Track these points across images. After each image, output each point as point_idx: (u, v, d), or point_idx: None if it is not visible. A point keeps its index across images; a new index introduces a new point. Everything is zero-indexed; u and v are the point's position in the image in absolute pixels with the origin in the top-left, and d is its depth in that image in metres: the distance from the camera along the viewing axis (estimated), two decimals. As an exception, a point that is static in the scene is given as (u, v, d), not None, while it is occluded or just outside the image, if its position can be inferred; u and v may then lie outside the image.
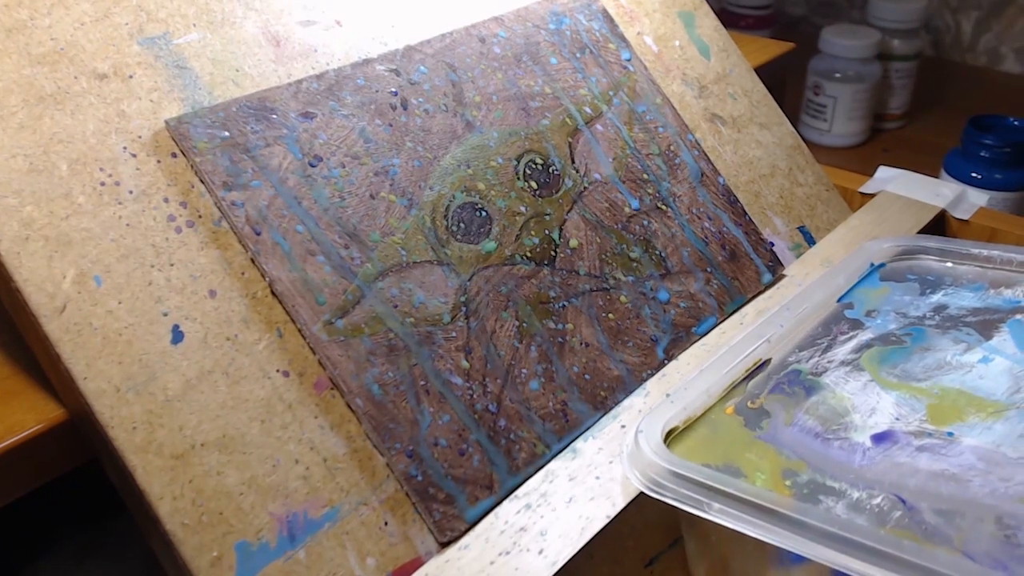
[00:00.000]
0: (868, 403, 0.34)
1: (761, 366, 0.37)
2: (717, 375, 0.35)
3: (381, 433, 0.33)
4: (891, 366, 0.36)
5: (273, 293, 0.33)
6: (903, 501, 0.29)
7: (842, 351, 0.37)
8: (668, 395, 0.35)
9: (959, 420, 0.32)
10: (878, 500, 0.29)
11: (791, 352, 0.37)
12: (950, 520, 0.28)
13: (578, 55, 0.45)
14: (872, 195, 0.52)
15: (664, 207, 0.43)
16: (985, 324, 0.38)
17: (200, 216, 0.33)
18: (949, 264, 0.42)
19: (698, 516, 0.29)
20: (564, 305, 0.39)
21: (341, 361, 0.33)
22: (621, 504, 0.33)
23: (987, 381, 0.34)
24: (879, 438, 0.32)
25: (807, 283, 0.42)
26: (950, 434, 0.32)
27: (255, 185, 0.34)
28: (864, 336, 0.38)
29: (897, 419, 0.33)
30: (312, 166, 0.35)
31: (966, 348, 0.36)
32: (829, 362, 0.37)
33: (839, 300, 0.41)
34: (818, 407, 0.34)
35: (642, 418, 0.33)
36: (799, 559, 0.30)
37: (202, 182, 0.33)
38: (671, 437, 0.33)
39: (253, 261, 0.33)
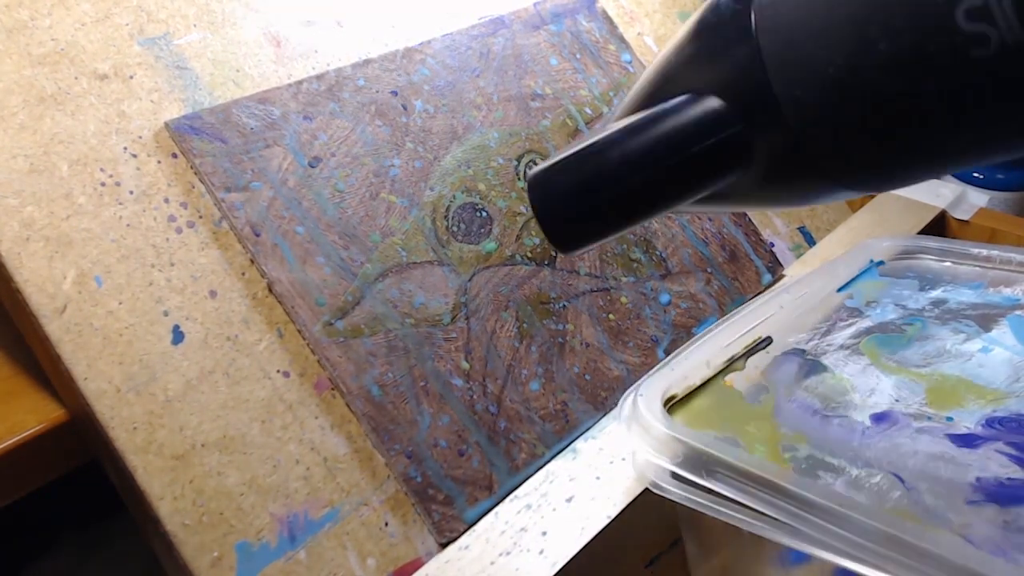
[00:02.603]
0: (867, 384, 0.34)
1: (760, 344, 0.37)
2: (716, 348, 0.35)
3: (381, 434, 0.33)
4: (890, 352, 0.36)
5: (272, 294, 0.33)
6: (902, 481, 0.29)
7: (841, 336, 0.37)
8: (667, 362, 0.34)
9: (958, 406, 0.32)
10: (877, 479, 0.29)
11: (790, 333, 0.37)
12: (950, 503, 0.28)
13: (578, 56, 0.45)
14: (872, 195, 0.52)
15: (664, 207, 0.43)
16: (984, 318, 0.37)
17: (200, 216, 0.33)
18: (948, 264, 0.42)
19: (698, 517, 0.29)
20: (564, 305, 0.39)
21: (341, 362, 0.33)
22: (621, 504, 0.33)
23: (987, 370, 0.34)
24: (879, 418, 0.32)
25: (807, 272, 0.42)
26: (950, 419, 0.32)
27: (255, 186, 0.34)
28: (863, 324, 0.38)
29: (897, 400, 0.33)
30: (312, 167, 0.35)
31: (965, 338, 0.36)
32: (828, 345, 0.36)
33: (839, 290, 0.41)
34: (817, 386, 0.34)
35: (641, 381, 0.33)
36: (799, 559, 0.30)
37: (202, 183, 0.33)
38: (670, 404, 0.33)
39: (253, 262, 0.33)
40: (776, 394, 0.34)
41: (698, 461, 0.29)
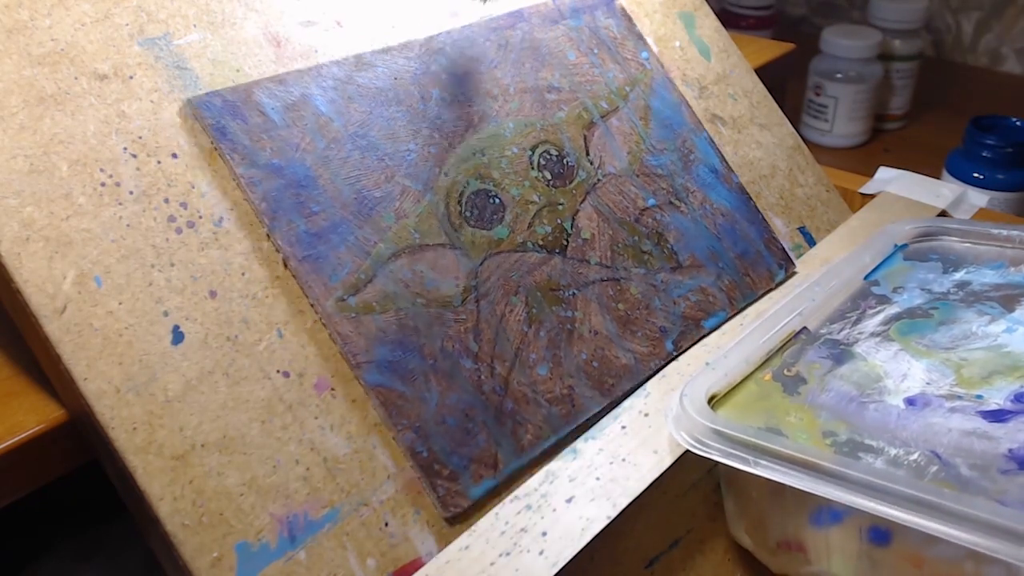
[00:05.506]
0: (899, 370, 0.35)
1: (797, 336, 0.38)
2: (754, 344, 0.37)
3: (389, 409, 0.33)
4: (919, 336, 0.37)
5: (288, 269, 0.33)
6: (939, 457, 0.30)
7: (871, 324, 0.39)
8: (708, 363, 0.36)
9: (987, 384, 0.34)
10: (915, 456, 0.30)
11: (823, 325, 0.39)
12: (985, 473, 0.29)
13: (595, 51, 0.45)
14: (872, 196, 0.52)
15: (677, 202, 0.44)
16: (1007, 298, 0.39)
17: (200, 217, 0.33)
18: (969, 244, 0.44)
19: (738, 475, 0.31)
20: (574, 293, 0.39)
21: (352, 336, 0.33)
22: (622, 505, 0.33)
23: (1012, 349, 0.36)
24: (912, 401, 0.33)
25: (833, 262, 0.43)
26: (980, 397, 0.33)
27: (274, 164, 0.34)
28: (891, 310, 0.39)
29: (928, 384, 0.34)
30: (330, 148, 0.36)
31: (990, 320, 0.38)
32: (860, 333, 0.38)
33: (865, 278, 0.42)
34: (852, 374, 0.35)
35: (684, 384, 0.34)
36: (835, 519, 0.32)
37: (221, 159, 0.34)
38: (713, 402, 0.34)
39: (268, 237, 0.33)
40: (813, 385, 0.35)
41: (744, 451, 0.31)
